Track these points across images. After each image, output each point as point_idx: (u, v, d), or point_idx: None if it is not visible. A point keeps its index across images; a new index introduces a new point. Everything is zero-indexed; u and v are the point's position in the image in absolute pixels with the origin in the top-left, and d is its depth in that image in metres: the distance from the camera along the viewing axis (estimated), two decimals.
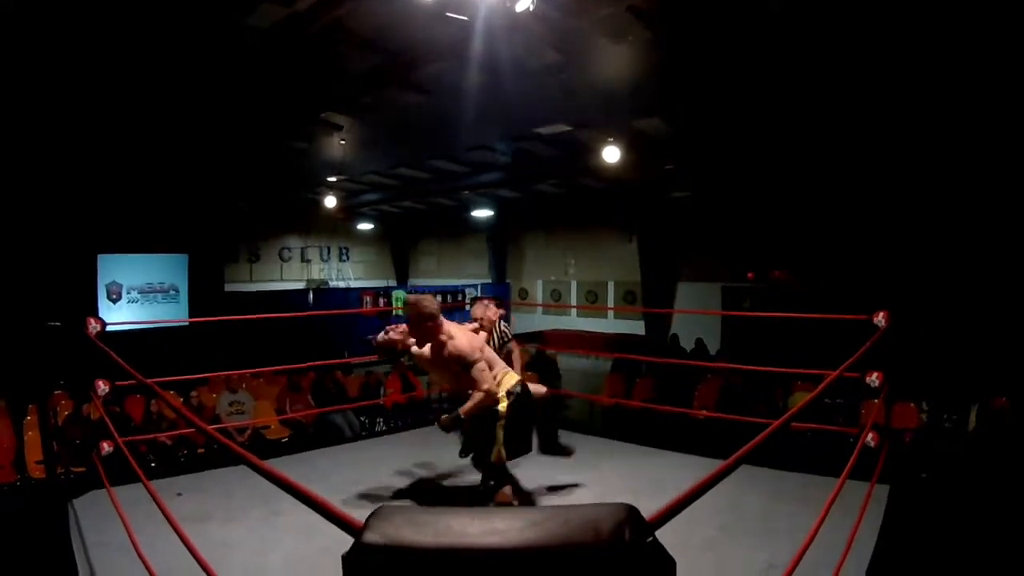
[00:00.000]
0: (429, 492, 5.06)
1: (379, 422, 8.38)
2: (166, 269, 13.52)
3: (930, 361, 7.46)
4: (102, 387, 4.65)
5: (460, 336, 4.19)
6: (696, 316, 14.17)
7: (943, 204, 9.94)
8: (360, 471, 5.53)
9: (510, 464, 4.45)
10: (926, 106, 7.59)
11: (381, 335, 4.44)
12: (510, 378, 4.31)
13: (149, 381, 3.28)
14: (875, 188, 10.29)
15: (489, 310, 5.39)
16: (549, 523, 1.79)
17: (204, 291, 13.06)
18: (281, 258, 19.26)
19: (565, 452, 5.25)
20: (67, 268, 11.32)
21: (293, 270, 19.48)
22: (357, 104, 8.98)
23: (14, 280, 10.35)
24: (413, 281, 21.49)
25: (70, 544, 3.88)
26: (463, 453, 4.69)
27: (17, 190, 10.24)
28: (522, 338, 14.93)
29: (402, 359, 4.54)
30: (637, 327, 15.57)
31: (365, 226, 19.38)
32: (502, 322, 5.63)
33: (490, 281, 19.02)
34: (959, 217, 10.00)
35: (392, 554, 1.72)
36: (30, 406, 6.73)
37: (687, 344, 12.69)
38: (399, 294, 17.78)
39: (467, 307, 16.31)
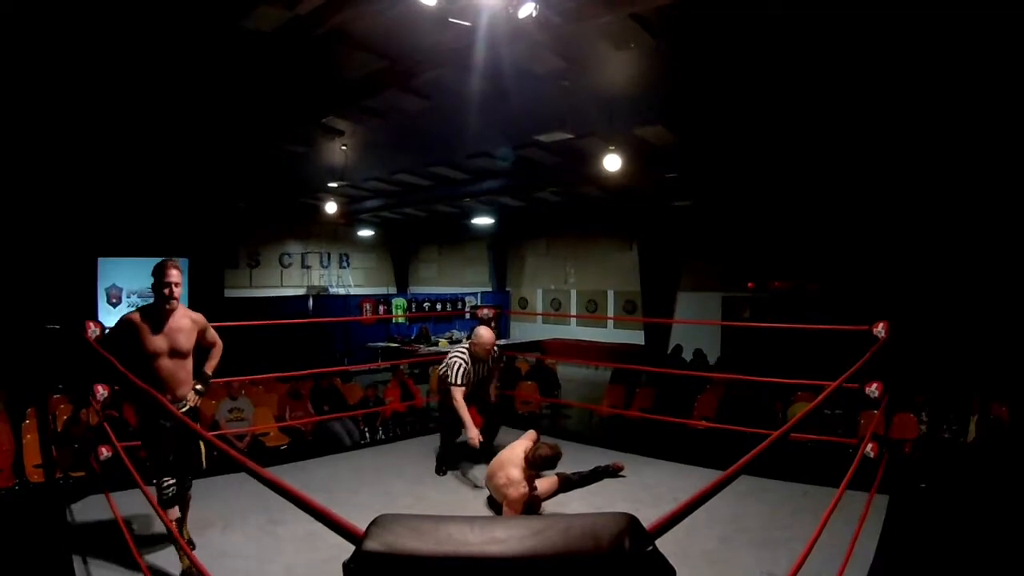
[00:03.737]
0: (430, 501, 5.05)
1: (379, 430, 8.39)
2: None
3: (929, 371, 7.49)
4: (101, 391, 4.64)
5: None
6: (696, 326, 14.18)
7: (941, 216, 9.97)
8: (360, 479, 5.51)
9: None
10: (927, 115, 7.62)
11: None
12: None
13: (147, 386, 3.27)
14: (876, 199, 10.32)
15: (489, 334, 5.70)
16: (549, 532, 1.79)
17: (204, 296, 13.07)
18: (281, 264, 19.26)
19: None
20: (67, 271, 11.34)
21: (293, 276, 19.48)
22: (358, 109, 8.98)
23: (14, 283, 10.36)
24: (413, 288, 21.50)
25: (68, 549, 3.87)
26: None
27: (18, 194, 10.27)
28: (521, 347, 15.00)
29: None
30: (637, 337, 15.57)
31: (365, 233, 19.40)
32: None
33: (490, 289, 19.03)
34: (958, 229, 10.03)
35: (393, 562, 1.72)
36: (28, 409, 6.73)
37: (687, 354, 12.69)
38: (399, 301, 17.80)
39: (467, 315, 16.42)
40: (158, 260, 3.79)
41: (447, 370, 5.57)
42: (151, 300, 3.81)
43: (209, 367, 4.06)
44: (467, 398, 5.56)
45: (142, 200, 12.02)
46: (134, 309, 3.89)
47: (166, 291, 3.73)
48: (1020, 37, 5.66)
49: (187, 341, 3.84)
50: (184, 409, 3.77)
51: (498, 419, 5.87)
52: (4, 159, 9.21)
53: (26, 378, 7.38)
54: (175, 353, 3.77)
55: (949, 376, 7.98)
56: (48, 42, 6.41)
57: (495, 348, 5.85)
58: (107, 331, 4.08)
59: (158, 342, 3.72)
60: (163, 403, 3.16)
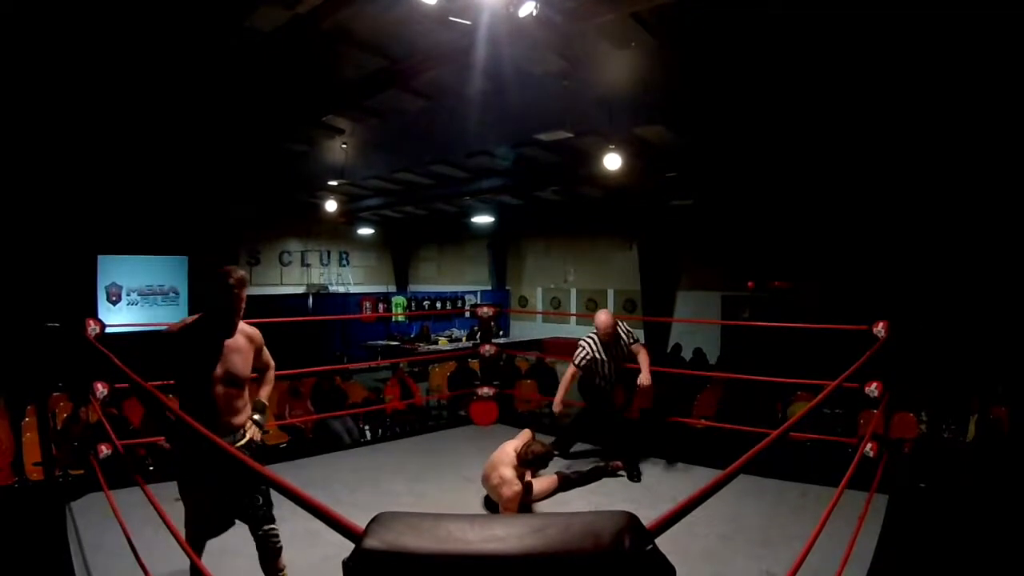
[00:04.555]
0: (429, 498, 5.05)
1: (379, 429, 8.39)
2: (166, 271, 13.52)
3: (929, 371, 7.49)
4: (100, 389, 4.65)
5: None
6: (696, 325, 14.18)
7: (942, 217, 9.97)
8: (360, 478, 5.52)
9: None
10: (927, 115, 7.61)
11: None
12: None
13: (148, 384, 3.26)
14: (877, 199, 10.31)
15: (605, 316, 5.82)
16: (549, 530, 1.79)
17: (204, 293, 13.09)
18: (281, 262, 19.24)
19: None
20: (67, 269, 11.34)
21: (293, 274, 19.46)
22: (359, 108, 8.99)
23: (14, 281, 10.36)
24: (413, 287, 21.48)
25: (67, 547, 3.87)
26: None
27: (18, 192, 10.26)
28: (521, 346, 14.99)
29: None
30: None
31: (365, 231, 19.38)
32: (622, 324, 5.99)
33: (490, 288, 19.02)
34: (958, 228, 10.02)
35: (393, 560, 1.71)
36: (28, 407, 6.73)
37: (686, 353, 12.70)
38: (399, 300, 17.79)
39: (467, 314, 16.42)
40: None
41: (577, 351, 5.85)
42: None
43: (264, 393, 3.55)
44: (603, 383, 5.90)
45: (142, 198, 12.02)
46: (179, 321, 3.29)
47: (237, 306, 3.16)
48: (1020, 37, 5.66)
49: (244, 365, 3.26)
50: (242, 443, 3.21)
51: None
52: (4, 157, 9.21)
53: (26, 376, 7.38)
54: (231, 380, 3.17)
55: (949, 376, 7.98)
56: (49, 40, 6.41)
57: (620, 328, 5.98)
58: (153, 347, 3.26)
59: (213, 367, 3.13)
60: (225, 447, 2.44)
